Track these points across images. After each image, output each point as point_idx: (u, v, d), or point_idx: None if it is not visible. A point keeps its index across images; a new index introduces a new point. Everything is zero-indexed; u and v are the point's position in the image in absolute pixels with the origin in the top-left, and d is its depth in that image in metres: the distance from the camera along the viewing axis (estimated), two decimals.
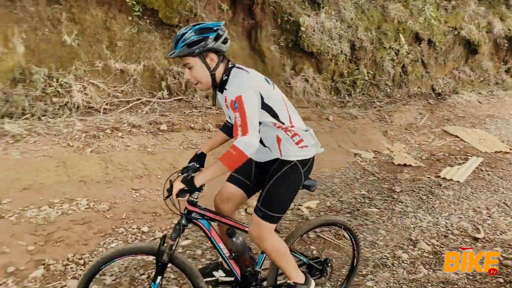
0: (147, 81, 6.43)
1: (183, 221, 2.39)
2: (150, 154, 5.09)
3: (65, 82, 5.71)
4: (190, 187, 2.19)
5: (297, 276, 2.62)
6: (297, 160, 2.44)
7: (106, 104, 5.87)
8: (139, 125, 5.51)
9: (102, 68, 6.07)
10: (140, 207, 4.27)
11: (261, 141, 2.38)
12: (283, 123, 2.37)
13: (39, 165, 4.35)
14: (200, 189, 2.24)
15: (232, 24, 7.36)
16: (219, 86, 2.34)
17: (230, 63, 2.36)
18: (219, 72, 2.31)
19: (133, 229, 3.95)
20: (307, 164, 2.50)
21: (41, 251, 3.47)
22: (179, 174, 2.56)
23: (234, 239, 2.56)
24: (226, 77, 2.31)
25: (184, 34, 2.23)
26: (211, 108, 6.47)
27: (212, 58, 2.26)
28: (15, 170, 4.21)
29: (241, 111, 2.13)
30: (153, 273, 2.41)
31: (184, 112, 6.21)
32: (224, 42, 2.29)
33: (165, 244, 2.34)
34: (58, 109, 5.54)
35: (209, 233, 2.53)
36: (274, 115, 2.34)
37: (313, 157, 2.56)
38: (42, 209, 3.91)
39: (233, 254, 2.58)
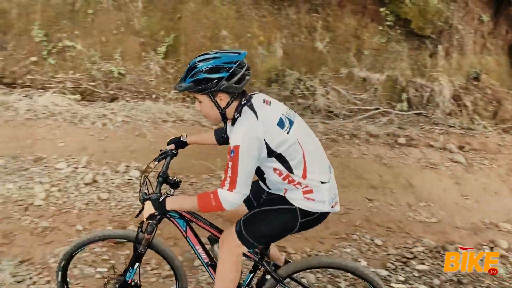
0: (387, 91, 6.30)
1: (159, 216, 2.25)
2: (386, 166, 4.95)
3: (311, 86, 6.09)
4: (161, 212, 2.13)
5: None
6: (299, 208, 2.13)
7: (346, 110, 6.00)
8: (377, 134, 5.43)
9: (346, 75, 6.23)
10: (374, 218, 4.18)
11: (265, 183, 2.21)
12: (293, 173, 2.06)
13: None
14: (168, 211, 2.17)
15: (491, 37, 6.56)
16: (232, 122, 2.09)
17: (244, 99, 2.05)
18: (230, 110, 2.05)
19: (366, 239, 3.88)
20: (310, 216, 2.15)
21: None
22: (156, 162, 2.44)
23: (215, 246, 2.38)
24: (238, 115, 2.02)
25: (195, 67, 1.98)
26: (454, 127, 5.91)
27: (222, 98, 2.01)
28: None
29: (234, 164, 1.91)
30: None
31: (424, 128, 5.84)
32: (239, 81, 1.97)
33: (142, 235, 2.30)
34: (303, 109, 5.95)
35: (185, 233, 2.39)
36: (285, 162, 2.03)
37: (321, 214, 2.17)
38: None
39: (210, 262, 2.40)
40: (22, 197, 3.87)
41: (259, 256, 2.39)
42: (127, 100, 5.61)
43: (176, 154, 2.53)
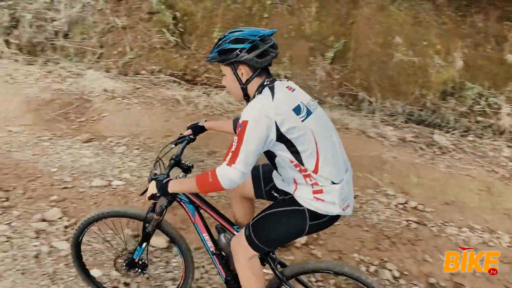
0: None
1: (169, 198, 2.34)
2: None
3: (494, 103, 5.36)
4: (162, 193, 2.17)
5: None
6: (308, 209, 2.04)
7: None
8: None
9: None
10: None
11: (277, 169, 2.15)
12: (304, 165, 1.98)
13: (462, 183, 4.23)
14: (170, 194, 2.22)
15: None
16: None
17: (267, 80, 2.04)
18: (251, 87, 2.05)
19: None
20: (319, 219, 2.07)
21: (461, 276, 3.33)
22: (172, 145, 2.46)
23: (221, 236, 2.41)
24: (258, 95, 2.03)
25: (223, 38, 2.04)
26: None
27: (244, 72, 2.03)
28: (440, 182, 4.25)
29: (239, 139, 1.87)
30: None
31: None
32: (261, 55, 1.99)
33: (152, 215, 2.37)
34: (482, 129, 5.28)
35: (193, 219, 2.42)
36: (295, 152, 1.96)
37: (331, 217, 2.08)
38: (462, 230, 3.77)
39: (215, 251, 2.43)
40: None
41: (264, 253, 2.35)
42: None
43: (193, 140, 2.58)
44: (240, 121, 1.92)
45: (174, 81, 6.11)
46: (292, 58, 6.19)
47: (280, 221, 2.11)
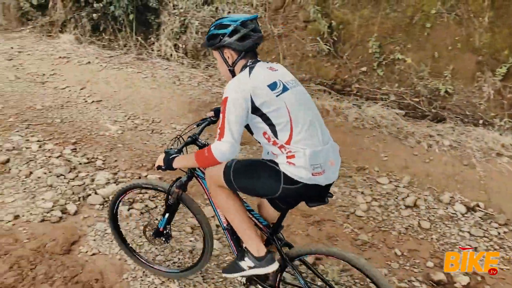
0: None
1: (188, 174, 2.59)
2: None
3: None
4: (167, 167, 2.35)
5: (252, 244, 2.35)
6: (283, 172, 2.11)
7: None
8: None
9: None
10: None
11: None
12: (278, 138, 2.10)
13: None
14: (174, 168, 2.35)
15: None
16: None
17: (250, 61, 2.20)
18: (237, 68, 2.23)
19: None
20: (292, 185, 2.11)
21: None
22: (195, 126, 2.68)
23: None
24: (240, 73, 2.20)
25: (212, 24, 2.24)
26: None
27: (229, 55, 2.21)
28: None
29: (223, 115, 2.04)
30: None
31: None
32: (242, 39, 2.16)
33: (173, 188, 2.58)
34: None
35: (208, 195, 2.53)
36: (271, 125, 2.09)
37: (305, 186, 2.10)
38: None
39: (227, 226, 2.52)
40: (345, 203, 4.05)
41: (271, 231, 2.42)
42: (455, 123, 5.18)
43: (214, 122, 2.72)
44: (223, 98, 2.09)
45: (324, 91, 6.07)
46: (456, 72, 5.65)
47: (260, 170, 2.20)
